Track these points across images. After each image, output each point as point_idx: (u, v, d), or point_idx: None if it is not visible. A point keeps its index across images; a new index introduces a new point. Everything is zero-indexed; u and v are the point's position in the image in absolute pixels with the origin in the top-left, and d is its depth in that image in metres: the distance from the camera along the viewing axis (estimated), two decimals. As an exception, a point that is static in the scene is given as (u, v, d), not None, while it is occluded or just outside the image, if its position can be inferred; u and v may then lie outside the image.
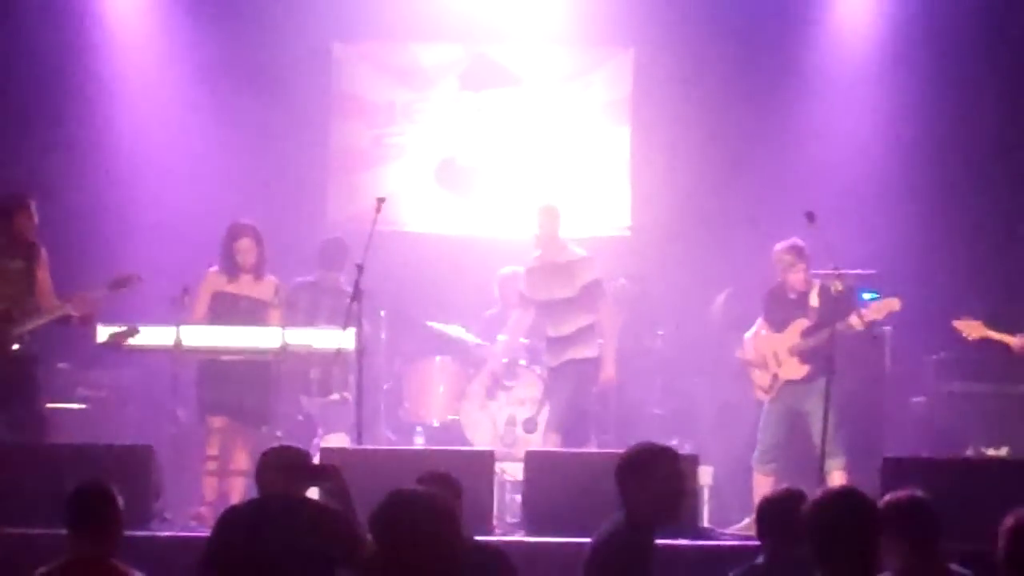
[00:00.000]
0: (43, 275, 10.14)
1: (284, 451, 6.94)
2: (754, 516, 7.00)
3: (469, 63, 14.05)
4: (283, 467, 6.70)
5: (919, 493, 6.02)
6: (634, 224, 13.70)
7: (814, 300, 10.76)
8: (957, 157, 12.86)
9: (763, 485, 10.36)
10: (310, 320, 11.39)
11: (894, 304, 10.45)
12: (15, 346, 9.94)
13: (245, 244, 10.92)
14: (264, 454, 6.87)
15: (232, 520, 6.62)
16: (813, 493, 5.43)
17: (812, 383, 10.50)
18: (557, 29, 13.81)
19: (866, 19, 13.53)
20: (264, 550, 6.32)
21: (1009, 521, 5.50)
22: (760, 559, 6.52)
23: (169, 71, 13.43)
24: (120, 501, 6.30)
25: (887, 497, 6.04)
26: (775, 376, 10.80)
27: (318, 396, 11.57)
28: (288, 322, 10.92)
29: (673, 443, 11.11)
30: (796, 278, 10.79)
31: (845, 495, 5.21)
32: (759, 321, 11.06)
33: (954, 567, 5.92)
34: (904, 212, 12.69)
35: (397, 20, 13.63)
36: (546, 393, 11.56)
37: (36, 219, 10.14)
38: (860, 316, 10.41)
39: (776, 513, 6.53)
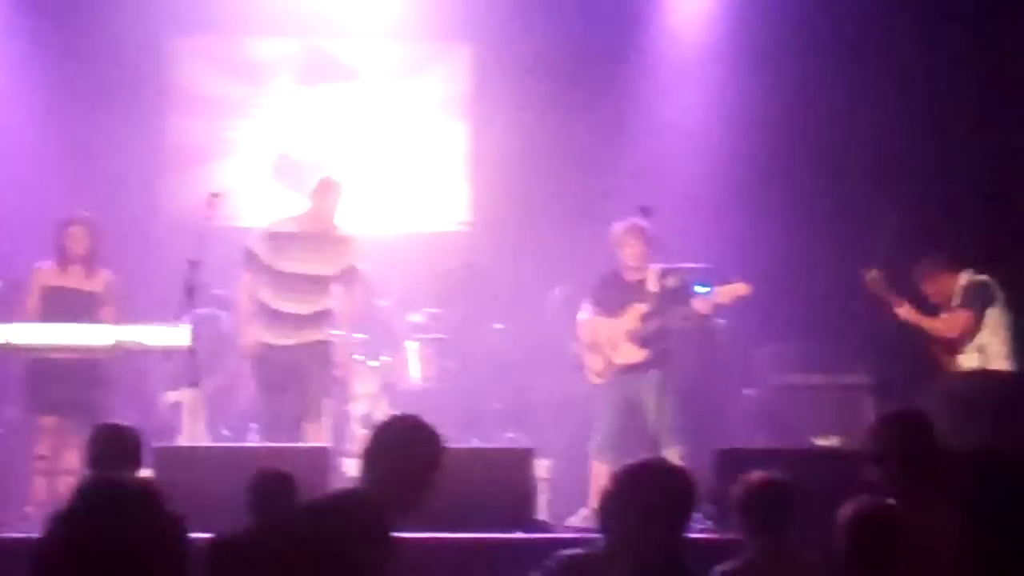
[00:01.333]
0: None
1: (117, 428, 6.97)
2: (592, 507, 7.04)
3: (305, 58, 13.98)
4: (114, 441, 6.75)
5: (777, 477, 6.19)
6: (472, 219, 13.72)
7: (652, 286, 10.76)
8: (791, 154, 13.01)
9: (601, 475, 10.33)
10: None
11: (740, 289, 10.49)
12: None
13: (75, 231, 10.75)
14: (97, 428, 6.90)
15: (62, 515, 6.52)
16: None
17: (647, 371, 10.54)
18: (394, 24, 13.79)
19: (704, 12, 13.67)
20: (96, 540, 6.23)
21: (847, 512, 5.63)
22: (599, 544, 6.58)
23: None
24: None
25: (745, 481, 6.18)
26: (609, 361, 10.78)
27: (159, 395, 11.45)
28: (122, 318, 10.76)
29: (510, 436, 11.20)
30: (629, 252, 10.71)
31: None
32: (587, 304, 11.05)
33: (805, 552, 6.03)
34: (738, 207, 12.82)
35: (232, 14, 13.52)
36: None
37: None
38: (707, 301, 10.46)
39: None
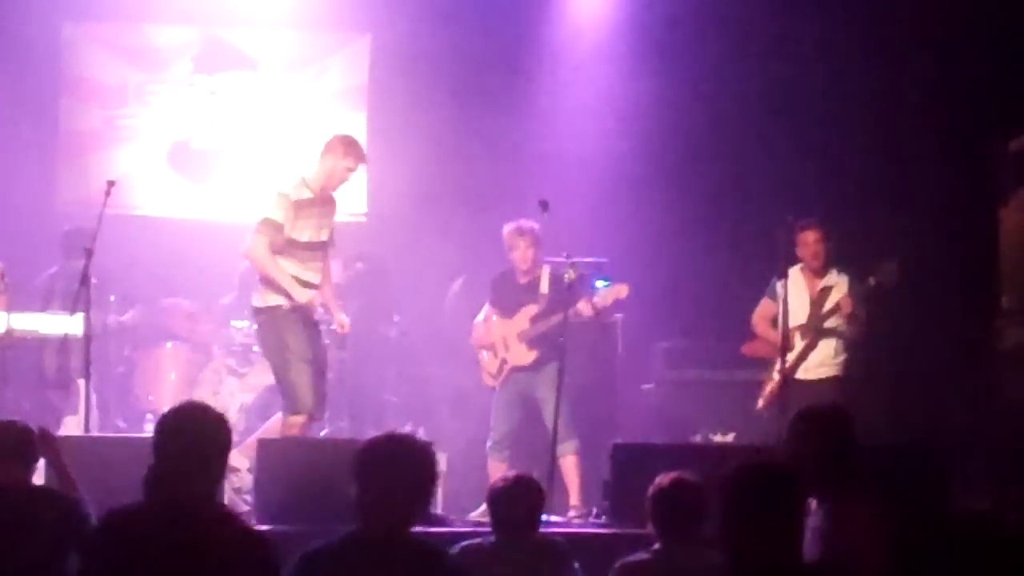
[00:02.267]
0: None
1: (6, 426, 6.89)
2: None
3: (203, 46, 13.89)
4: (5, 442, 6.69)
5: (687, 477, 6.27)
6: (370, 210, 13.70)
7: (544, 287, 10.83)
8: (692, 148, 13.10)
9: (497, 472, 10.38)
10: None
11: (621, 291, 10.59)
12: None
13: None
14: None
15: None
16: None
17: (541, 369, 10.60)
18: (293, 13, 13.76)
19: (602, 4, 13.73)
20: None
21: (657, 483, 6.09)
22: (491, 538, 6.65)
23: None
24: None
25: (657, 481, 6.28)
26: (503, 361, 10.86)
27: (56, 386, 11.32)
28: (14, 307, 10.66)
29: (407, 429, 11.20)
30: (519, 256, 10.79)
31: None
32: (486, 306, 11.12)
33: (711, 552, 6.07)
34: (637, 200, 12.90)
35: (129, 1, 13.40)
36: None
37: None
38: (590, 303, 10.53)
39: (505, 499, 6.67)
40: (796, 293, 10.59)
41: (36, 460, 6.96)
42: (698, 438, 11.27)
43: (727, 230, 12.72)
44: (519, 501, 6.67)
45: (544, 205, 10.23)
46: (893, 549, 5.81)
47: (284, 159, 13.72)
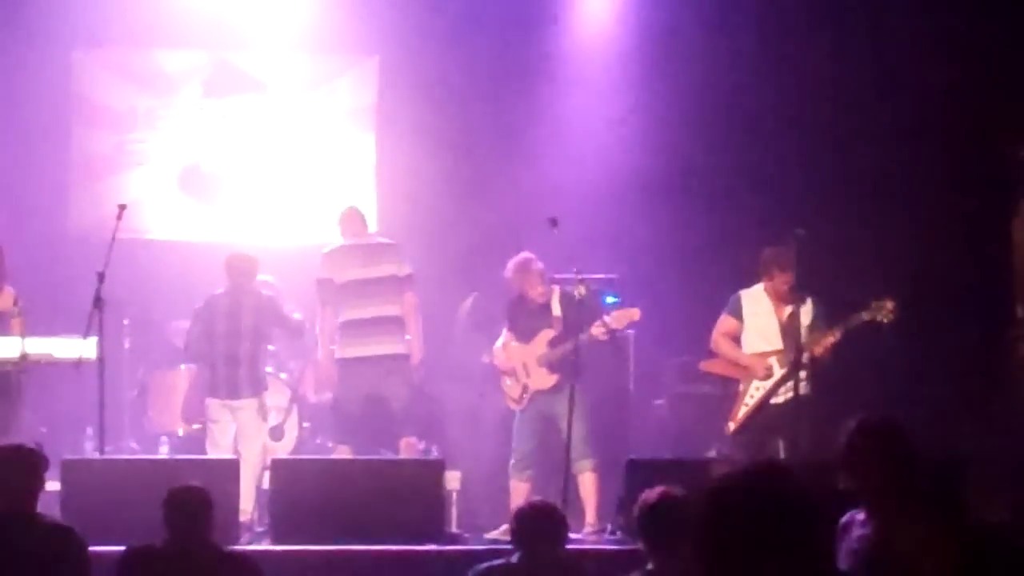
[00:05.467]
0: None
1: (20, 449, 6.93)
2: (509, 523, 7.12)
3: (212, 70, 13.94)
4: (21, 465, 6.74)
5: (673, 492, 6.16)
6: (380, 230, 13.70)
7: (556, 309, 10.85)
8: (698, 160, 13.10)
9: (520, 492, 10.41)
10: None
11: (634, 314, 10.58)
12: None
13: None
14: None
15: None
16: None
17: (561, 390, 10.58)
18: (301, 36, 13.79)
19: (608, 22, 13.76)
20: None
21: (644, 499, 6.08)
22: (514, 558, 6.66)
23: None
24: None
25: (643, 497, 6.21)
26: (525, 387, 10.85)
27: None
28: (29, 331, 10.68)
29: (420, 447, 11.23)
30: (533, 293, 10.87)
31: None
32: (504, 332, 11.14)
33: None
34: (647, 214, 12.88)
35: (139, 26, 13.44)
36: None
37: None
38: (604, 324, 10.52)
39: (529, 524, 6.71)
40: (762, 313, 10.48)
41: (43, 485, 6.99)
42: (713, 453, 11.25)
43: (738, 244, 12.70)
44: (545, 522, 6.71)
45: (553, 222, 10.25)
46: (955, 562, 5.66)
47: (294, 180, 13.77)
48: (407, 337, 11.04)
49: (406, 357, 11.05)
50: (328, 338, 11.16)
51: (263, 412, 11.03)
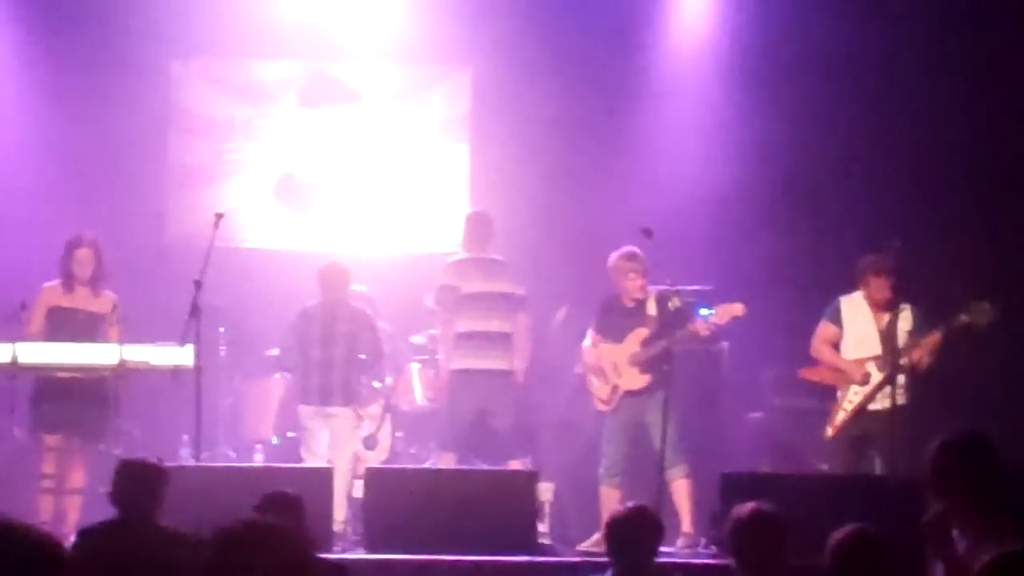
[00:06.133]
0: None
1: (145, 465, 7.12)
2: (602, 532, 7.09)
3: (308, 80, 14.03)
4: (143, 480, 6.92)
5: (765, 507, 6.09)
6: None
7: (651, 309, 10.81)
8: (797, 177, 13.03)
9: (610, 498, 10.38)
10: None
11: (737, 309, 10.43)
12: None
13: (83, 254, 10.79)
14: (125, 464, 7.06)
15: (90, 545, 6.73)
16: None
17: (652, 394, 10.54)
18: (396, 46, 13.84)
19: (703, 34, 13.70)
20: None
21: (835, 537, 5.58)
22: (608, 573, 6.62)
23: (7, 87, 13.25)
24: None
25: (735, 513, 6.13)
26: (615, 387, 10.81)
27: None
28: (126, 338, 10.78)
29: (514, 461, 11.24)
30: (632, 285, 10.80)
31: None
32: (590, 331, 11.10)
33: None
34: (742, 226, 12.82)
35: (236, 37, 13.55)
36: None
37: None
38: (705, 323, 10.45)
39: (624, 529, 6.65)
40: (861, 319, 10.47)
41: (164, 497, 7.19)
42: (806, 467, 11.16)
43: (834, 257, 12.62)
44: (639, 530, 6.65)
45: (648, 232, 10.24)
46: None
47: (388, 190, 13.82)
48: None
49: (513, 375, 11.12)
50: (451, 345, 11.26)
51: (357, 421, 11.10)
